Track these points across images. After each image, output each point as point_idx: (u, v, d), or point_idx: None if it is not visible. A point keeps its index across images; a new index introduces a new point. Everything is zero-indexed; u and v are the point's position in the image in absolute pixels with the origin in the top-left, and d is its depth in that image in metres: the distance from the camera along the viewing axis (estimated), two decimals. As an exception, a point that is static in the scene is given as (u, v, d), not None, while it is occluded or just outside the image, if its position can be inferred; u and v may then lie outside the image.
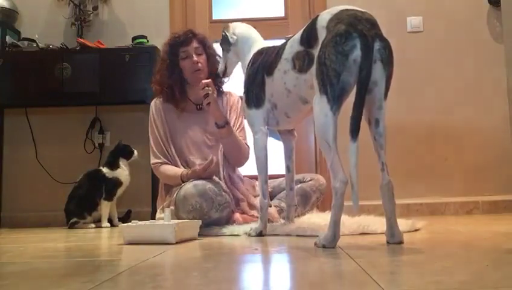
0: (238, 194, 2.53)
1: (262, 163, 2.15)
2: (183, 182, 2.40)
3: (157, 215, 2.56)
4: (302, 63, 1.85)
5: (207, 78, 2.52)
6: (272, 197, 2.59)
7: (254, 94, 2.13)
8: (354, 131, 1.54)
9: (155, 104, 2.63)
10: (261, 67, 2.10)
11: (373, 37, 1.58)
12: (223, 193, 2.34)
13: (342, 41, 1.57)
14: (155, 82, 2.64)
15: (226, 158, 2.58)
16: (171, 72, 2.56)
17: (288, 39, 2.00)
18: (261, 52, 2.17)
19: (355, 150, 1.54)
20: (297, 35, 1.90)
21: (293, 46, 1.90)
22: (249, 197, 2.55)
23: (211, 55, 2.62)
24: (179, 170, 2.49)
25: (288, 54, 1.93)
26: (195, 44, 2.58)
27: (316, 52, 1.73)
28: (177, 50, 2.57)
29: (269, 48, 2.16)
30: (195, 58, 2.55)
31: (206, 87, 2.36)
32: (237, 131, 2.59)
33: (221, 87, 2.70)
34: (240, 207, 2.50)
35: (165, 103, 2.61)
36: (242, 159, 2.60)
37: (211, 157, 2.38)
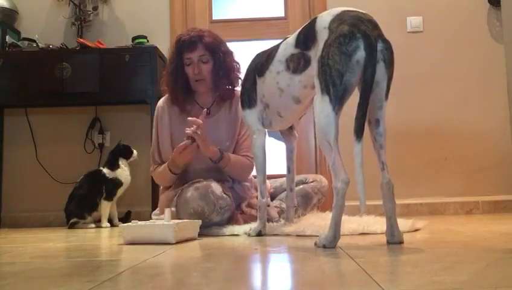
0: (242, 194, 2.51)
1: (261, 162, 2.14)
2: (172, 172, 2.38)
3: (153, 213, 2.55)
4: (296, 65, 1.86)
5: (213, 86, 2.48)
6: (273, 198, 2.59)
7: (247, 95, 2.15)
8: (359, 131, 1.54)
9: (161, 106, 2.55)
10: (253, 69, 2.13)
11: (376, 38, 1.59)
12: (225, 195, 2.30)
13: (346, 41, 1.57)
14: (163, 82, 2.56)
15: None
16: (176, 77, 2.46)
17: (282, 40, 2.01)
18: (257, 55, 2.19)
19: (360, 150, 1.53)
20: (292, 38, 1.91)
21: (287, 48, 1.91)
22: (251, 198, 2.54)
23: (217, 60, 2.45)
24: (166, 164, 2.43)
25: (281, 56, 1.93)
26: (200, 51, 2.43)
27: (313, 54, 1.74)
28: (182, 55, 2.45)
29: (263, 50, 2.17)
30: (196, 69, 2.44)
31: (194, 130, 2.24)
32: (244, 141, 2.50)
33: (235, 89, 2.53)
34: (242, 207, 2.50)
35: (171, 105, 2.52)
36: (245, 175, 2.52)
37: (184, 142, 2.29)
